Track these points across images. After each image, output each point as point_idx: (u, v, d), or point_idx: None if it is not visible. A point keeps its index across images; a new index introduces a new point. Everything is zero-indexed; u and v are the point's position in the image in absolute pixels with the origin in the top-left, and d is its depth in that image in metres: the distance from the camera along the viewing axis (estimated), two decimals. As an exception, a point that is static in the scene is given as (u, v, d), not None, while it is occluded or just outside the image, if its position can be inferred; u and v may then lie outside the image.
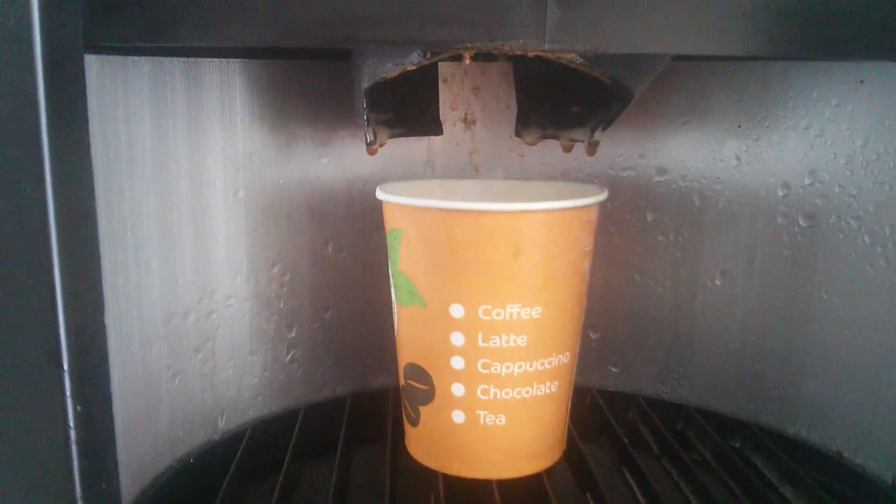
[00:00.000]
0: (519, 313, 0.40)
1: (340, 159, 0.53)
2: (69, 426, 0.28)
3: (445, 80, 0.54)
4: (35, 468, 0.29)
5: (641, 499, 0.45)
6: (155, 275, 0.44)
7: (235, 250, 0.49)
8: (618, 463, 0.49)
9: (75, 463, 0.29)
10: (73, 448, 0.28)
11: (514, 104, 0.51)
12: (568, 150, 0.50)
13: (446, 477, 0.43)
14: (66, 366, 0.28)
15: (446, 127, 0.53)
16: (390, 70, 0.39)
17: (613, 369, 0.58)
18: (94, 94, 0.38)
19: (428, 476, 0.44)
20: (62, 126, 0.28)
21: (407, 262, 0.42)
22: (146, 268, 0.43)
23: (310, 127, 0.52)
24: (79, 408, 0.28)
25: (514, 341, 0.41)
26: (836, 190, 0.47)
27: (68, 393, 0.28)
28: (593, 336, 0.57)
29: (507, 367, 0.41)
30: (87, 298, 0.29)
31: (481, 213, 0.39)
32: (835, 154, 0.47)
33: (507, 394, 0.41)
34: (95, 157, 0.37)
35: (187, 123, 0.45)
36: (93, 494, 0.30)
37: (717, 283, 0.53)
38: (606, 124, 0.44)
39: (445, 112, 0.54)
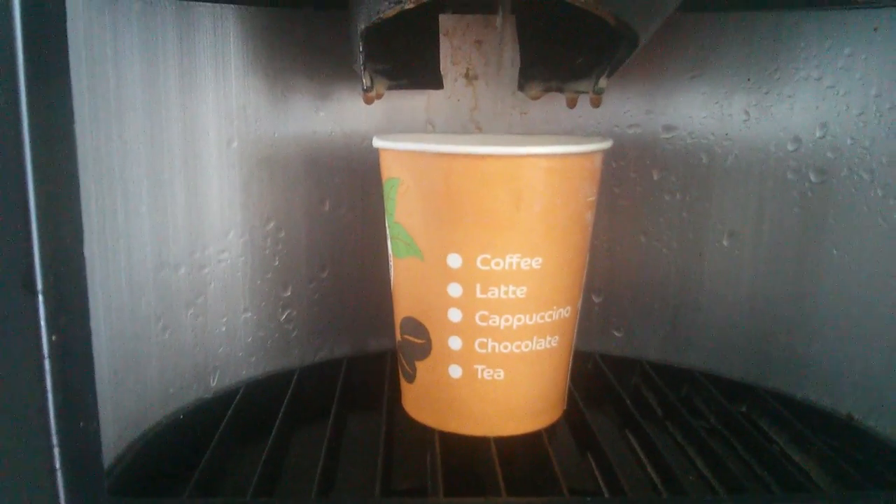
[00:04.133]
0: (519, 264, 0.39)
1: (339, 113, 0.52)
2: (43, 356, 0.27)
3: (447, 33, 0.52)
4: (7, 402, 0.28)
5: (645, 460, 0.43)
6: (145, 221, 0.42)
7: (228, 203, 0.48)
8: (620, 425, 0.48)
9: (50, 396, 0.27)
10: (48, 380, 0.27)
11: (516, 60, 0.50)
12: (573, 104, 0.48)
13: (443, 434, 0.42)
14: (40, 289, 0.26)
15: (447, 82, 0.52)
16: (386, 10, 0.37)
17: (617, 334, 0.56)
18: (80, 31, 0.36)
19: (424, 434, 0.43)
20: (38, 46, 0.26)
21: (404, 211, 0.41)
22: (135, 213, 0.41)
23: (307, 79, 0.50)
24: (54, 338, 0.27)
25: (514, 293, 0.39)
26: (849, 142, 0.45)
27: (43, 321, 0.27)
28: (596, 300, 0.56)
29: (506, 320, 0.40)
30: (65, 225, 0.28)
31: (481, 157, 0.38)
32: (847, 105, 0.45)
33: (505, 347, 0.40)
34: (82, 94, 0.36)
35: (179, 69, 0.44)
36: (70, 433, 0.29)
37: (725, 243, 0.51)
38: (612, 70, 0.42)
39: (447, 66, 0.53)
